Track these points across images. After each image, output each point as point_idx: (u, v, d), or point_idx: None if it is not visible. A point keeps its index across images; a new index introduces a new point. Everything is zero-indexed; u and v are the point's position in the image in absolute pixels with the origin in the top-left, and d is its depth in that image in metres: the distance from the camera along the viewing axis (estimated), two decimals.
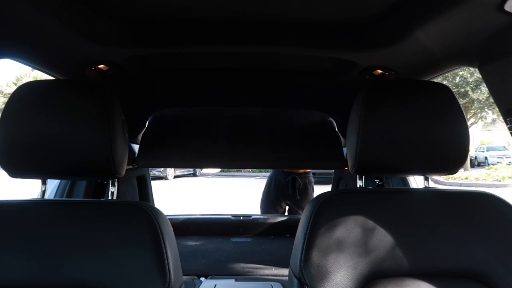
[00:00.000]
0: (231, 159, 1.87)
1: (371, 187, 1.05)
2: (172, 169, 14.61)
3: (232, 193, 10.79)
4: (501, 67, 0.95)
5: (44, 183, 0.96)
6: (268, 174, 2.87)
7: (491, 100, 10.95)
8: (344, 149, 1.80)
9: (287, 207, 2.78)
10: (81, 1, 0.93)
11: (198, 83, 1.62)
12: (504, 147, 19.72)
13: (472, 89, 12.69)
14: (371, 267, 0.85)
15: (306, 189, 2.72)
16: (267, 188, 2.78)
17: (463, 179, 11.93)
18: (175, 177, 14.85)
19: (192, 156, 1.84)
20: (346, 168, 1.92)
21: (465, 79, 12.76)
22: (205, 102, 1.83)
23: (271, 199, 2.73)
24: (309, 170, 2.76)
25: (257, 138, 1.81)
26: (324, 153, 1.84)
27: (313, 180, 2.79)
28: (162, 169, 13.88)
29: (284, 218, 2.40)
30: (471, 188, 1.06)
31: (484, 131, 24.13)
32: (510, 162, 15.93)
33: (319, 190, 1.07)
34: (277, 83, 1.62)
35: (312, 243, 0.85)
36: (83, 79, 1.26)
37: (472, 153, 18.96)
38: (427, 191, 0.96)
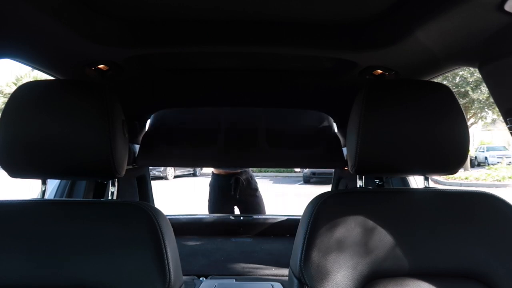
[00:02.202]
0: (231, 159, 1.87)
1: (371, 187, 1.05)
2: (172, 169, 14.61)
3: None
4: (501, 67, 0.95)
5: (44, 183, 0.96)
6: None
7: (491, 100, 10.94)
8: (344, 149, 1.80)
9: (235, 209, 2.77)
10: (81, 1, 0.93)
11: (198, 83, 1.62)
12: (504, 147, 19.71)
13: (472, 89, 12.68)
14: (371, 267, 0.85)
15: (250, 184, 2.71)
16: (213, 196, 2.75)
17: (463, 179, 11.93)
18: (175, 177, 14.84)
19: (192, 155, 1.84)
20: (346, 168, 1.92)
21: (465, 79, 12.75)
22: (205, 102, 1.83)
23: (219, 206, 2.71)
24: None
25: (256, 137, 1.81)
26: (323, 152, 1.83)
27: (252, 173, 2.78)
28: (162, 169, 13.88)
29: (284, 218, 2.39)
30: (471, 188, 1.05)
31: (484, 131, 24.12)
32: (510, 162, 15.93)
33: (319, 190, 1.07)
34: (277, 83, 1.62)
35: (312, 243, 0.85)
36: (83, 79, 1.26)
37: (472, 153, 18.95)
38: (427, 191, 0.96)
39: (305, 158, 1.85)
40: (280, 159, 1.85)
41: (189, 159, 1.92)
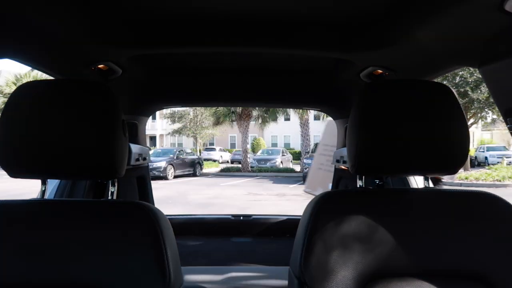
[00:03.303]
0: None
1: (371, 187, 1.05)
2: (172, 169, 14.70)
3: (233, 193, 10.79)
4: (501, 67, 0.95)
5: (44, 183, 0.96)
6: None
7: (491, 100, 10.95)
8: (344, 149, 1.80)
9: None
10: (81, 1, 0.93)
11: (197, 83, 1.62)
12: (504, 147, 19.74)
13: (472, 89, 12.68)
14: (371, 267, 0.85)
15: None
16: None
17: (463, 179, 11.92)
18: (175, 177, 14.88)
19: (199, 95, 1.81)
20: (346, 168, 1.92)
21: (465, 79, 12.75)
22: (204, 101, 1.83)
23: None
24: None
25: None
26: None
27: None
28: (162, 169, 13.97)
29: (284, 218, 2.39)
30: (471, 188, 1.05)
31: (484, 131, 24.15)
32: (510, 162, 15.94)
33: None
34: (277, 83, 1.62)
35: (312, 243, 0.85)
36: (83, 79, 1.27)
37: (472, 153, 18.95)
38: (427, 191, 0.96)
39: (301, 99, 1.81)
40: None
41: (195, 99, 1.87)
